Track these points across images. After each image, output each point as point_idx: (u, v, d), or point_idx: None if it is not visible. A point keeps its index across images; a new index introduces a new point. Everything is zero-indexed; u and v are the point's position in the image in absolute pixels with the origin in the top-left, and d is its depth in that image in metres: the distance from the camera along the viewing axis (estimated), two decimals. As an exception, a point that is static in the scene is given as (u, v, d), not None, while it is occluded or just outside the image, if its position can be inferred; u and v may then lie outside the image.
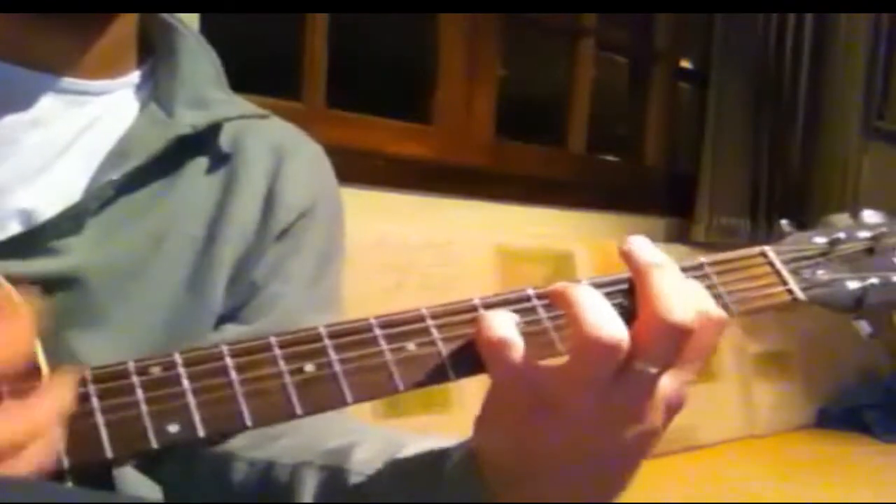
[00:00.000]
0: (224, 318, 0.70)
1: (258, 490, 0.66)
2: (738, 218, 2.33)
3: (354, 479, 0.61)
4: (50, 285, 0.61)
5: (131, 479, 0.65)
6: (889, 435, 2.25)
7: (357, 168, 1.69)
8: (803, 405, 2.37)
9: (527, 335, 0.51)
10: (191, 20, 1.36)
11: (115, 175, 0.64)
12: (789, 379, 2.33)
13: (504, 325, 0.51)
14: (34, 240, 0.62)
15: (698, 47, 2.43)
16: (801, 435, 2.29)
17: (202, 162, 0.70)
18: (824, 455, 2.09)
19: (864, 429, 2.29)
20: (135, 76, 0.71)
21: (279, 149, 0.74)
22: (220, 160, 0.70)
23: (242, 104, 0.75)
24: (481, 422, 0.54)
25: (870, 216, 0.69)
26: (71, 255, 0.62)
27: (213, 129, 0.70)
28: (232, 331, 0.69)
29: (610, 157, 2.49)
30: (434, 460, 0.57)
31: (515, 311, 0.53)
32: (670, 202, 2.38)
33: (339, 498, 0.61)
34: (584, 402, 0.50)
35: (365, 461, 0.61)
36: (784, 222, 0.69)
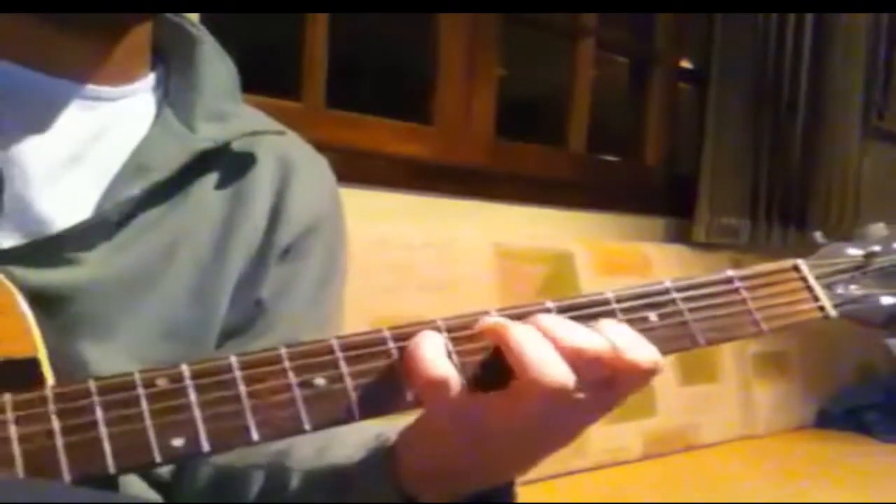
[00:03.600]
0: (228, 335, 0.70)
1: (214, 492, 0.67)
2: (738, 218, 2.32)
3: (294, 476, 0.62)
4: (61, 295, 0.61)
5: (134, 480, 0.65)
6: (889, 435, 2.24)
7: (357, 168, 1.68)
8: (803, 405, 2.36)
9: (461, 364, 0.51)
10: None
11: (137, 189, 0.64)
12: (789, 379, 2.33)
13: (440, 362, 0.50)
14: (48, 249, 0.61)
15: (698, 47, 2.43)
16: (801, 435, 2.29)
17: (214, 175, 0.69)
18: (824, 455, 2.09)
19: (864, 429, 2.29)
20: (150, 80, 0.71)
21: (286, 164, 0.73)
22: (230, 174, 0.70)
23: (257, 117, 0.75)
24: (408, 439, 0.56)
25: None
26: (84, 267, 0.62)
27: (227, 143, 0.70)
28: (237, 349, 0.69)
29: (610, 157, 2.48)
30: (355, 463, 0.60)
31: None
32: (670, 202, 2.37)
33: (282, 495, 0.62)
34: (511, 437, 0.52)
35: (303, 458, 0.63)
36: (817, 234, 0.67)
